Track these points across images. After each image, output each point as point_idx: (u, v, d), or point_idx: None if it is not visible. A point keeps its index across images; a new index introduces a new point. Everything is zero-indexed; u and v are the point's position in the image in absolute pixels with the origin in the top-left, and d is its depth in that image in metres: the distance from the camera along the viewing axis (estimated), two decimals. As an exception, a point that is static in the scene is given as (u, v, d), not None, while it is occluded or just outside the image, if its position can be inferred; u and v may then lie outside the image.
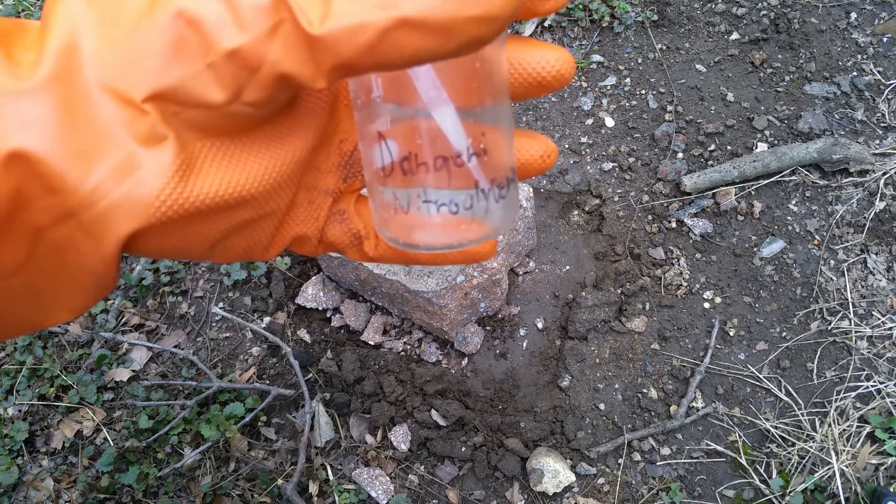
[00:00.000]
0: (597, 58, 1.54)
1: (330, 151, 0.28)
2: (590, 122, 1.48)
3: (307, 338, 1.31)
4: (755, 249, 1.34)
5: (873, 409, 1.21)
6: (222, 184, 0.23)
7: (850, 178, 1.36)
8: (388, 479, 1.19)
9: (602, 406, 1.24)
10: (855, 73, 1.44)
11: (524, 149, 0.29)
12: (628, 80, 1.50)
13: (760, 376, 1.25)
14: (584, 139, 1.46)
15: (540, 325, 1.30)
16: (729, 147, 1.42)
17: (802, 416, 1.22)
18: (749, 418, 1.22)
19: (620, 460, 1.21)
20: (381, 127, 0.25)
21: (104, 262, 0.22)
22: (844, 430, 1.19)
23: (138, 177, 0.21)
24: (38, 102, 0.20)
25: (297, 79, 0.20)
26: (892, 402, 1.21)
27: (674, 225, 1.37)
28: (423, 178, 0.25)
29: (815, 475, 1.16)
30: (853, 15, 1.49)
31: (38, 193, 0.21)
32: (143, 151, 0.21)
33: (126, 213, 0.21)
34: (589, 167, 1.44)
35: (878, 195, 1.33)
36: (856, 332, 1.26)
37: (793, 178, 1.37)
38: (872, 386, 1.22)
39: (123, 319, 1.34)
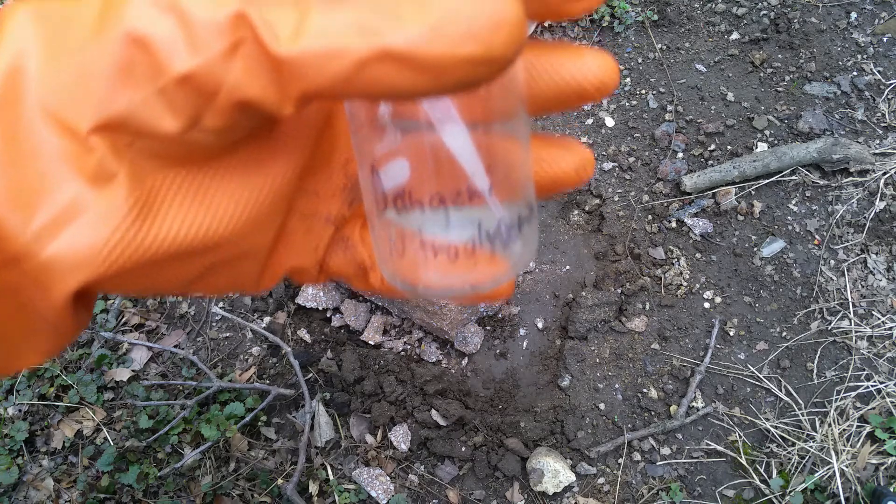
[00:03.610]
0: (597, 58, 1.54)
1: (331, 173, 0.25)
2: (590, 121, 1.48)
3: (307, 338, 1.31)
4: (755, 249, 1.34)
5: (873, 408, 1.21)
6: (186, 225, 0.20)
7: (850, 178, 1.36)
8: (388, 478, 1.19)
9: (602, 406, 1.24)
10: (855, 73, 1.44)
11: (555, 161, 0.25)
12: (628, 79, 1.50)
13: (760, 376, 1.25)
14: (584, 139, 1.46)
15: (540, 325, 1.31)
16: (729, 147, 1.42)
17: (802, 415, 1.22)
18: (749, 418, 1.22)
19: (620, 460, 1.21)
20: (375, 154, 0.22)
21: (55, 312, 0.20)
22: (844, 429, 1.19)
23: (83, 222, 0.18)
24: None
25: (259, 105, 0.17)
26: (892, 402, 1.21)
27: (674, 225, 1.37)
28: (420, 218, 0.22)
29: (815, 475, 1.16)
30: (853, 15, 1.49)
31: None
32: (90, 192, 0.18)
33: (70, 266, 0.18)
34: (589, 167, 1.44)
35: (879, 195, 1.33)
36: (856, 331, 1.26)
37: (793, 177, 1.37)
38: (872, 386, 1.22)
39: (123, 319, 1.34)
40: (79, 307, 0.20)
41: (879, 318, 1.27)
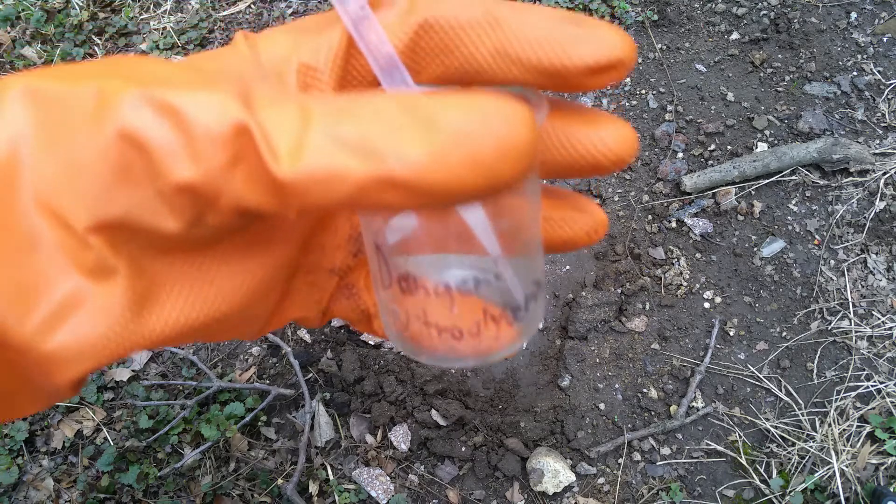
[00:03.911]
0: (597, 58, 1.54)
1: (337, 227, 0.24)
2: (590, 121, 1.48)
3: (307, 337, 1.31)
4: (755, 249, 1.34)
5: (873, 408, 1.21)
6: (186, 311, 0.20)
7: (850, 178, 1.36)
8: (388, 478, 1.19)
9: (602, 406, 1.24)
10: (855, 73, 1.44)
11: (567, 223, 0.24)
12: (628, 79, 1.50)
13: (760, 376, 1.25)
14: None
15: (540, 325, 1.31)
16: (729, 147, 1.42)
17: (802, 415, 1.22)
18: (749, 418, 1.22)
19: (620, 460, 1.21)
20: (379, 236, 0.21)
21: (57, 390, 0.19)
22: (844, 429, 1.19)
23: (84, 316, 0.18)
24: None
25: (261, 212, 0.17)
26: (892, 402, 1.21)
27: (674, 225, 1.37)
28: (424, 302, 0.22)
29: (815, 475, 1.16)
30: (853, 15, 1.49)
31: None
32: (89, 285, 0.18)
33: (72, 357, 0.18)
34: (589, 167, 1.44)
35: (879, 195, 1.33)
36: (856, 331, 1.26)
37: (793, 177, 1.37)
38: (872, 386, 1.22)
39: (123, 319, 1.34)
40: (80, 382, 0.20)
41: (879, 318, 1.27)
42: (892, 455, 1.17)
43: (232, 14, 1.60)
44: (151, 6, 1.62)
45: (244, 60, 0.20)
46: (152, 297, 0.19)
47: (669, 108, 1.46)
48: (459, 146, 0.15)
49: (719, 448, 1.21)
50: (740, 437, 1.21)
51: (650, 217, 1.38)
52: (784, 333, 1.28)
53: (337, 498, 1.17)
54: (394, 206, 0.16)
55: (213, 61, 0.20)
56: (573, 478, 1.18)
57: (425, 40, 0.20)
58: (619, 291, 1.32)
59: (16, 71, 1.53)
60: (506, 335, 0.23)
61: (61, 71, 0.18)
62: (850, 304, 1.27)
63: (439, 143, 0.15)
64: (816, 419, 1.21)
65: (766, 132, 1.42)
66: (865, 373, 1.23)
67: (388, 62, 0.20)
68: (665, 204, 1.38)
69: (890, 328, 1.25)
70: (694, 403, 1.24)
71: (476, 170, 0.15)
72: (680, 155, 1.42)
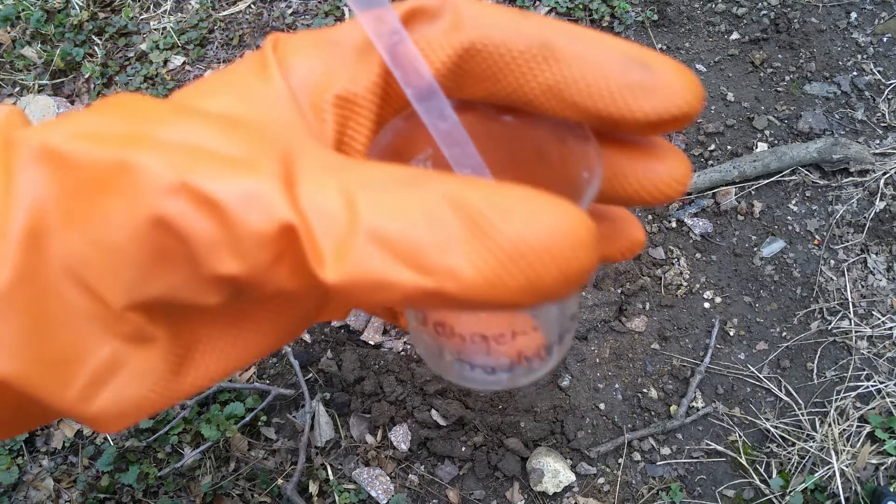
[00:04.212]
0: (597, 58, 1.54)
1: None
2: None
3: (307, 337, 1.31)
4: (755, 249, 1.34)
5: (873, 408, 1.21)
6: (222, 366, 0.20)
7: (850, 178, 1.36)
8: (388, 478, 1.19)
9: (602, 406, 1.24)
10: (855, 73, 1.44)
11: (606, 242, 0.23)
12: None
13: (760, 376, 1.25)
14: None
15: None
16: (729, 147, 1.42)
17: (802, 415, 1.22)
18: (749, 418, 1.22)
19: (620, 460, 1.21)
20: None
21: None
22: (844, 429, 1.19)
23: (124, 378, 0.18)
24: (2, 320, 0.16)
25: (303, 295, 0.17)
26: (892, 402, 1.21)
27: (674, 225, 1.37)
28: (459, 345, 0.21)
29: (815, 475, 1.16)
30: (853, 15, 1.49)
31: (15, 405, 0.18)
32: (127, 349, 0.18)
33: (115, 417, 0.18)
34: (589, 167, 1.44)
35: (879, 195, 1.33)
36: (856, 331, 1.26)
37: (793, 177, 1.37)
38: (872, 386, 1.22)
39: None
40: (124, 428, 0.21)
41: (879, 318, 1.27)
42: (892, 455, 1.17)
43: (232, 14, 1.60)
44: (151, 6, 1.62)
45: (280, 100, 0.19)
46: (189, 358, 0.19)
47: (669, 108, 1.46)
48: (518, 267, 0.14)
49: (719, 448, 1.21)
50: (740, 437, 1.21)
51: (650, 217, 1.38)
52: (784, 333, 1.28)
53: (337, 498, 1.17)
54: (439, 309, 0.15)
55: (251, 105, 0.18)
56: (573, 478, 1.18)
57: (470, 64, 0.19)
58: (619, 291, 1.32)
59: (16, 71, 1.53)
60: (538, 367, 0.22)
61: (78, 125, 0.17)
62: (850, 304, 1.27)
63: (496, 262, 0.14)
64: (816, 419, 1.21)
65: (766, 132, 1.42)
66: (865, 373, 1.23)
67: (427, 90, 0.18)
68: (665, 204, 1.38)
69: (890, 328, 1.25)
70: (694, 403, 1.24)
71: (532, 292, 0.14)
72: (680, 155, 1.42)
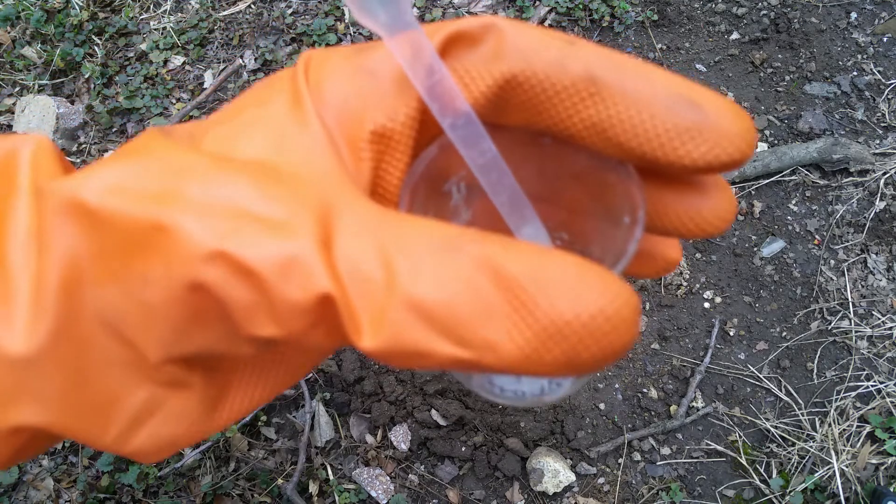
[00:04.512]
0: (597, 57, 1.54)
1: None
2: (590, 121, 1.48)
3: (307, 337, 1.31)
4: (755, 249, 1.34)
5: (873, 408, 1.21)
6: (253, 402, 0.20)
7: (851, 178, 1.36)
8: (388, 478, 1.19)
9: (602, 406, 1.24)
10: (855, 73, 1.44)
11: (639, 265, 0.23)
12: (628, 79, 1.50)
13: (760, 376, 1.25)
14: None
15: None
16: (729, 147, 1.42)
17: (802, 415, 1.22)
18: (749, 418, 1.22)
19: (620, 460, 1.21)
20: None
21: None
22: (844, 429, 1.19)
23: (160, 419, 0.18)
24: (41, 372, 0.16)
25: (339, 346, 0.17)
26: (892, 402, 1.21)
27: (674, 225, 1.37)
28: (490, 374, 0.22)
29: (815, 475, 1.16)
30: (853, 15, 1.49)
31: (47, 444, 0.19)
32: (163, 392, 0.18)
33: (152, 454, 0.19)
34: (589, 167, 1.44)
35: (879, 195, 1.34)
36: (856, 331, 1.26)
37: (793, 177, 1.37)
38: (872, 386, 1.22)
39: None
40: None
41: (879, 318, 1.27)
42: (892, 455, 1.17)
43: (232, 14, 1.60)
44: (151, 6, 1.62)
45: (317, 146, 0.18)
46: (222, 398, 0.20)
47: (669, 108, 1.46)
48: (557, 345, 0.14)
49: (719, 448, 1.21)
50: (740, 437, 1.21)
51: (650, 217, 1.38)
52: (784, 333, 1.28)
53: (337, 498, 1.17)
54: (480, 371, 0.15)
55: (287, 152, 0.18)
56: (573, 478, 1.18)
57: (511, 95, 0.18)
58: (619, 291, 1.32)
59: (16, 71, 1.53)
60: (565, 390, 0.23)
61: (109, 178, 0.17)
62: (850, 304, 1.27)
63: (535, 339, 0.14)
64: (816, 419, 1.21)
65: (766, 132, 1.42)
66: (865, 373, 1.23)
67: (464, 121, 0.18)
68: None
69: (890, 328, 1.25)
70: (694, 403, 1.24)
71: (568, 367, 0.14)
72: (680, 155, 1.42)
